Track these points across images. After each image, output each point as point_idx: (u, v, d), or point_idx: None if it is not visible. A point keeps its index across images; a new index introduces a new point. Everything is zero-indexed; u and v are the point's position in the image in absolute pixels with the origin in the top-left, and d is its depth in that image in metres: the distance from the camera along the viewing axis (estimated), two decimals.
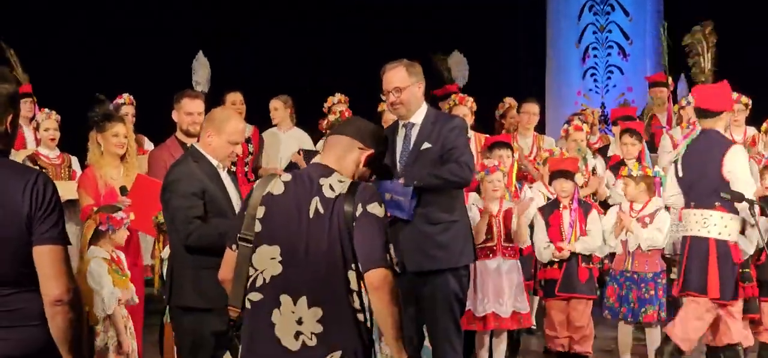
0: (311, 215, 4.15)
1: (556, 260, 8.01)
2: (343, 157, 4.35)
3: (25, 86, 10.72)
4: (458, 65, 11.80)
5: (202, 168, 5.82)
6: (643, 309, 8.06)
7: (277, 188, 4.24)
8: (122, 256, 7.04)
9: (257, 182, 4.33)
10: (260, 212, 4.23)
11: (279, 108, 10.29)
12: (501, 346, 8.11)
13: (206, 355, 5.88)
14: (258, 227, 4.22)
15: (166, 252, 6.78)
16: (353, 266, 4.14)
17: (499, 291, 7.80)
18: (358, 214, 4.11)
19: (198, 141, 5.96)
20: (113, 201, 7.14)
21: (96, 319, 6.73)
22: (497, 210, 7.95)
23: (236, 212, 5.89)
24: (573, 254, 7.99)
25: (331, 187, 4.19)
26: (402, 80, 6.21)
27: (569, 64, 13.98)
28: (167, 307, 6.15)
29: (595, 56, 13.81)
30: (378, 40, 13.90)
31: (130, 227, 7.05)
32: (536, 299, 9.34)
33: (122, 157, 7.46)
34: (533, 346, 9.19)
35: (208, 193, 5.76)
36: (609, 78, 13.73)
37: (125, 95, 10.32)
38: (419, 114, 6.28)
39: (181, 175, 5.77)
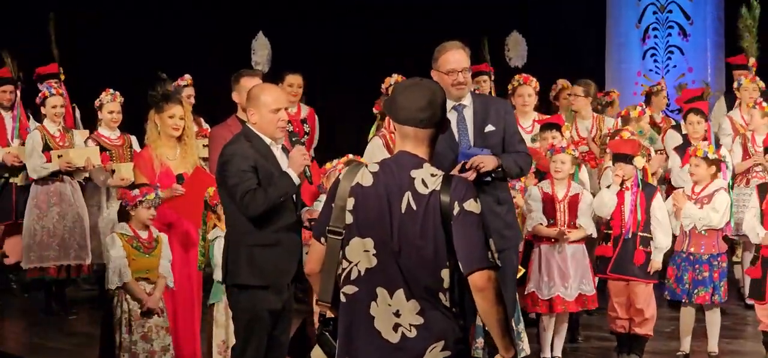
0: (403, 210, 4.05)
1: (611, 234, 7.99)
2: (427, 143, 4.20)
3: (50, 66, 10.79)
4: (516, 46, 11.73)
5: (255, 146, 5.88)
6: (695, 291, 8.00)
7: (365, 178, 4.12)
8: (164, 237, 7.14)
9: (343, 171, 4.23)
10: (350, 203, 4.12)
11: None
12: (563, 328, 8.11)
13: (262, 332, 5.95)
14: (349, 219, 4.12)
15: (212, 234, 6.88)
16: (448, 264, 4.05)
17: (564, 275, 7.86)
18: (455, 213, 4.01)
19: (248, 120, 6.02)
20: (169, 182, 7.20)
21: (110, 293, 6.95)
22: (563, 194, 7.96)
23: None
24: (632, 235, 7.93)
25: (423, 182, 4.06)
26: (468, 61, 6.35)
27: (629, 45, 13.85)
28: (223, 286, 6.23)
29: (655, 37, 13.68)
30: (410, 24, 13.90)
31: (175, 212, 7.15)
32: (595, 279, 9.32)
33: (179, 139, 7.47)
34: (593, 326, 9.16)
35: (261, 170, 5.82)
36: (669, 58, 13.59)
37: (187, 76, 10.41)
38: (468, 96, 6.42)
39: (233, 154, 5.85)
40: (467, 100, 6.38)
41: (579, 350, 8.53)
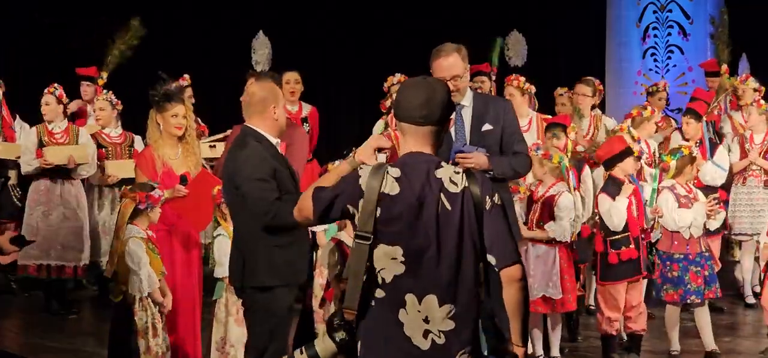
0: (439, 212, 4.05)
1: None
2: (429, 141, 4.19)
3: (90, 69, 10.93)
4: (516, 45, 11.73)
5: (266, 148, 5.82)
6: (714, 285, 8.05)
7: (391, 186, 4.07)
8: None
9: (368, 173, 4.13)
10: (377, 211, 4.08)
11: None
12: (557, 328, 8.07)
13: (285, 332, 5.89)
14: (375, 226, 4.07)
15: (215, 231, 6.88)
16: (481, 258, 4.08)
17: None
18: (487, 207, 4.05)
19: (253, 120, 5.88)
20: (172, 182, 7.17)
21: (132, 298, 6.81)
22: (541, 193, 7.91)
23: (295, 188, 5.93)
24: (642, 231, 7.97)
25: (451, 181, 4.07)
26: (459, 68, 6.22)
27: (630, 44, 13.86)
28: (225, 283, 6.19)
29: (655, 36, 13.69)
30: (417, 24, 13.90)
31: (178, 213, 7.14)
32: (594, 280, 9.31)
33: (180, 138, 7.41)
34: (592, 326, 9.15)
35: (278, 172, 5.78)
36: (669, 58, 13.61)
37: (186, 76, 10.45)
38: (468, 96, 6.36)
39: (251, 157, 5.74)
40: (467, 101, 6.33)
41: (579, 349, 8.53)
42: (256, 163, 5.72)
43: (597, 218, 8.16)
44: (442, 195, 4.05)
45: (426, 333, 4.06)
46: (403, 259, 4.06)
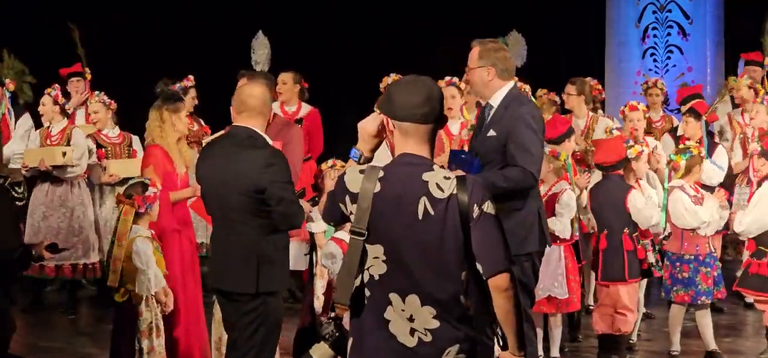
0: (420, 216, 4.00)
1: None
2: (428, 139, 4.14)
3: (75, 66, 10.97)
4: (516, 45, 11.72)
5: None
6: (722, 285, 8.05)
7: (375, 185, 4.06)
8: None
9: (365, 172, 4.11)
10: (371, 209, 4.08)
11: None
12: (558, 329, 8.06)
13: (276, 333, 5.90)
14: (366, 223, 4.06)
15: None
16: (467, 265, 4.04)
17: None
18: (474, 216, 4.00)
19: (255, 122, 5.79)
20: (186, 186, 7.14)
21: (139, 298, 6.78)
22: (543, 192, 7.89)
23: None
24: None
25: (438, 186, 4.01)
26: (472, 60, 6.18)
27: (629, 44, 13.86)
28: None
29: (655, 36, 13.68)
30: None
31: (198, 213, 7.12)
32: (594, 279, 9.31)
33: (178, 139, 7.35)
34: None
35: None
36: (668, 58, 13.60)
37: (191, 77, 10.47)
38: (497, 96, 6.19)
39: (278, 161, 5.68)
40: (495, 100, 6.18)
41: (579, 349, 8.52)
42: (286, 168, 5.67)
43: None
44: (424, 199, 4.01)
45: (412, 331, 4.05)
46: (384, 258, 4.05)
